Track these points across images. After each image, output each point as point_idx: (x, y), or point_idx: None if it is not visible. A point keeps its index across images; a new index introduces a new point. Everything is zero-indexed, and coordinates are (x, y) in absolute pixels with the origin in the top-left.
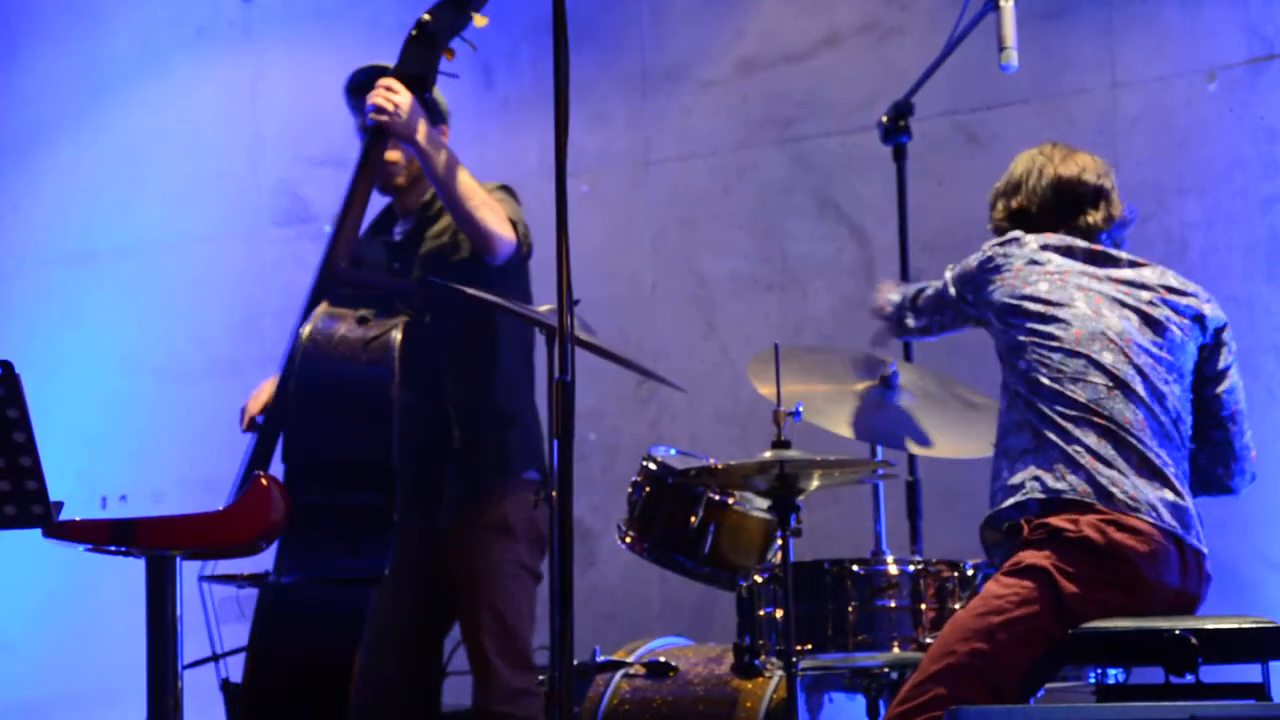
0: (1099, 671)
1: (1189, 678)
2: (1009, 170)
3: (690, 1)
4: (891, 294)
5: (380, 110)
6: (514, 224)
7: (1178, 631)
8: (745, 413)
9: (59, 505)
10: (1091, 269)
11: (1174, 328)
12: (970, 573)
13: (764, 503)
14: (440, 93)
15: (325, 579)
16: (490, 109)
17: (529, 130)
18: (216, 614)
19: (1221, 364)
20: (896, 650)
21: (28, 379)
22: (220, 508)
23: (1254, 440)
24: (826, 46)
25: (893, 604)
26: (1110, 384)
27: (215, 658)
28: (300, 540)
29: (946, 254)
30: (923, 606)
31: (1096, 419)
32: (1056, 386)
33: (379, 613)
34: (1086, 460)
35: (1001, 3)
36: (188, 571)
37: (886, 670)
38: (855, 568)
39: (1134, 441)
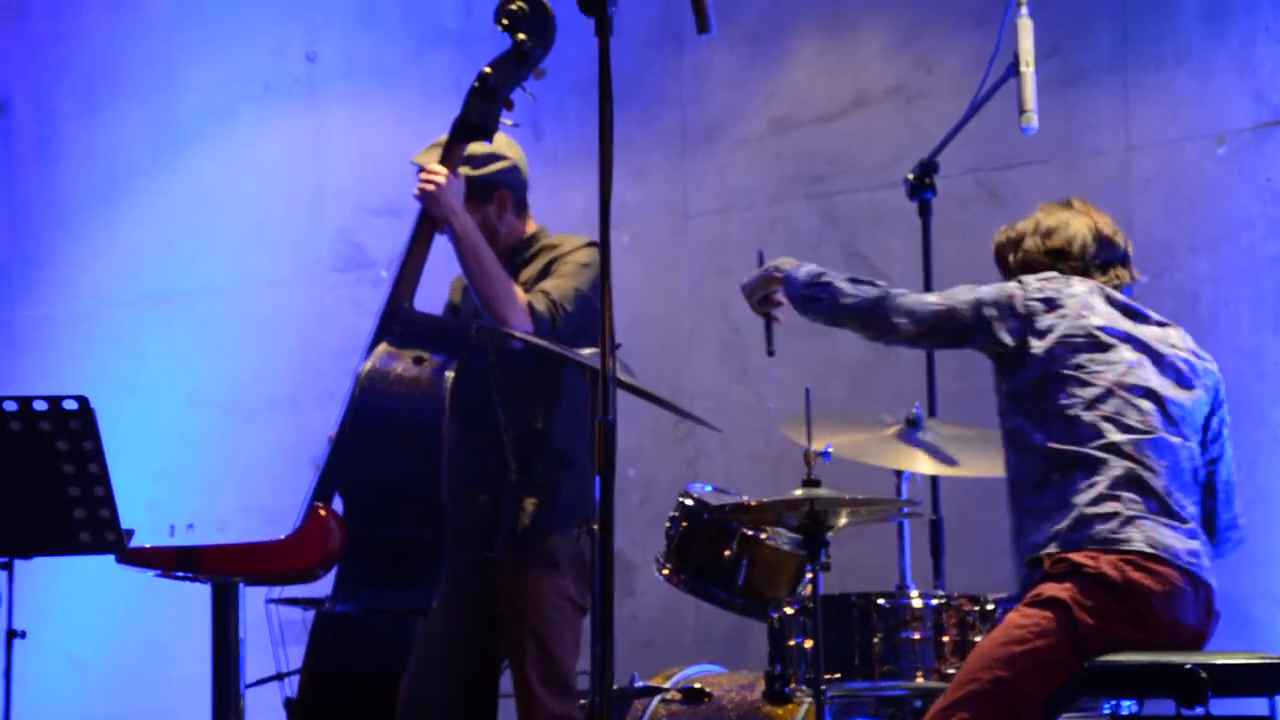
0: (1113, 703)
1: (1199, 710)
2: (1038, 216)
3: (727, 64)
4: (792, 265)
5: (420, 190)
6: (539, 306)
7: (1189, 666)
8: (777, 453)
9: (130, 533)
10: (1128, 321)
11: (1198, 388)
12: (990, 607)
13: (795, 538)
14: (504, 155)
15: (375, 609)
16: (539, 162)
17: (575, 183)
18: (282, 635)
19: (1218, 429)
20: (920, 680)
21: (102, 414)
22: (281, 537)
23: (1248, 507)
24: (856, 108)
25: (916, 636)
26: (1144, 429)
27: (279, 676)
28: (353, 571)
29: None
30: (945, 639)
31: (1127, 461)
32: (1093, 422)
33: (436, 641)
34: (1108, 504)
35: (1023, 68)
36: (255, 594)
37: (910, 699)
38: (881, 601)
39: (1158, 486)
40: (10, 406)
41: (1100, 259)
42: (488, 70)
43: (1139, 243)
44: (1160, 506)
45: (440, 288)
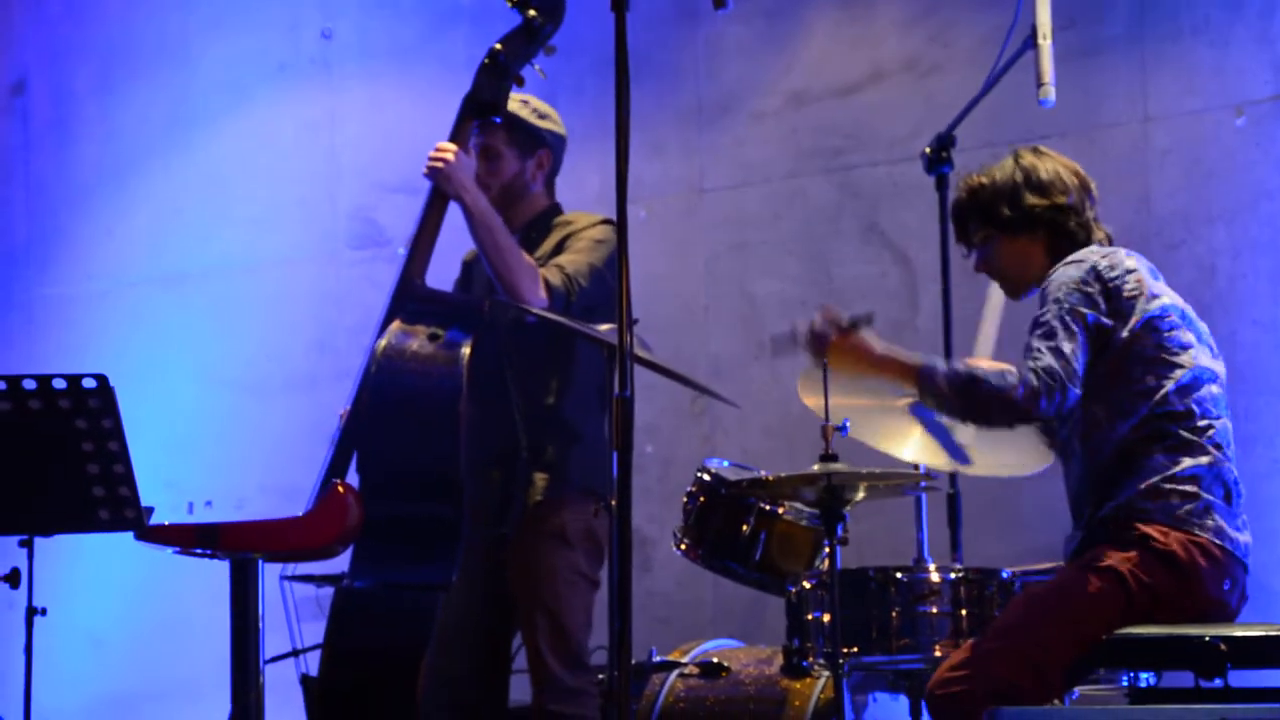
0: (1131, 675)
1: (1218, 682)
2: (1023, 164)
3: (743, 38)
4: (918, 359)
5: (429, 168)
6: (554, 280)
7: (1208, 638)
8: (794, 427)
9: (149, 510)
10: (1169, 290)
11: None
12: (1008, 580)
13: (812, 512)
14: (557, 121)
15: (395, 584)
16: None
17: (591, 159)
18: (297, 611)
19: None
20: (938, 653)
21: (121, 392)
22: (299, 514)
23: (1268, 478)
24: (872, 81)
25: (934, 610)
26: (1217, 415)
27: (295, 653)
28: (372, 547)
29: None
30: (963, 612)
31: (1210, 447)
32: (1179, 405)
33: (449, 615)
34: (1189, 485)
35: (1040, 41)
36: (269, 572)
37: (928, 672)
38: (899, 575)
39: (1229, 478)
40: (29, 385)
41: (1094, 213)
42: (498, 47)
43: (1157, 214)
44: (1226, 495)
45: (453, 266)
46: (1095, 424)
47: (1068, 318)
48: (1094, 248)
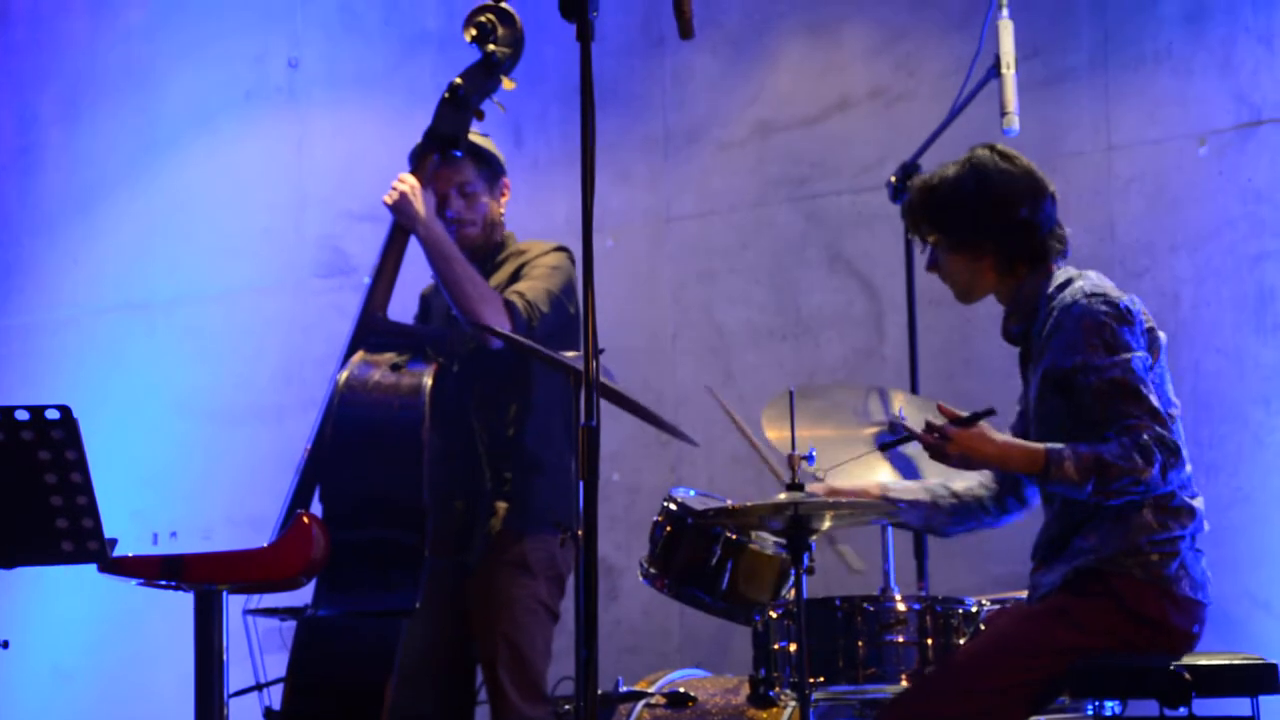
0: (1096, 704)
1: (1183, 711)
2: (969, 170)
3: (709, 68)
4: (1042, 447)
5: (387, 199)
6: (516, 305)
7: (1173, 667)
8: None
9: (113, 542)
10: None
11: None
12: (974, 610)
13: (779, 542)
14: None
15: (359, 613)
16: (520, 168)
17: (557, 188)
18: (260, 645)
19: None
20: (904, 683)
21: (84, 422)
22: (265, 545)
23: (1229, 508)
24: (838, 111)
25: (900, 639)
26: (1180, 449)
27: (258, 687)
28: (335, 576)
29: (950, 308)
30: (929, 641)
31: (1192, 499)
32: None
33: (412, 646)
34: (1171, 545)
35: (1004, 70)
36: (233, 605)
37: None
38: (865, 604)
39: (1201, 521)
40: None
41: (1050, 222)
42: (458, 81)
43: (1120, 242)
44: (1194, 539)
45: (411, 299)
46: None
47: (1138, 368)
48: (1089, 275)
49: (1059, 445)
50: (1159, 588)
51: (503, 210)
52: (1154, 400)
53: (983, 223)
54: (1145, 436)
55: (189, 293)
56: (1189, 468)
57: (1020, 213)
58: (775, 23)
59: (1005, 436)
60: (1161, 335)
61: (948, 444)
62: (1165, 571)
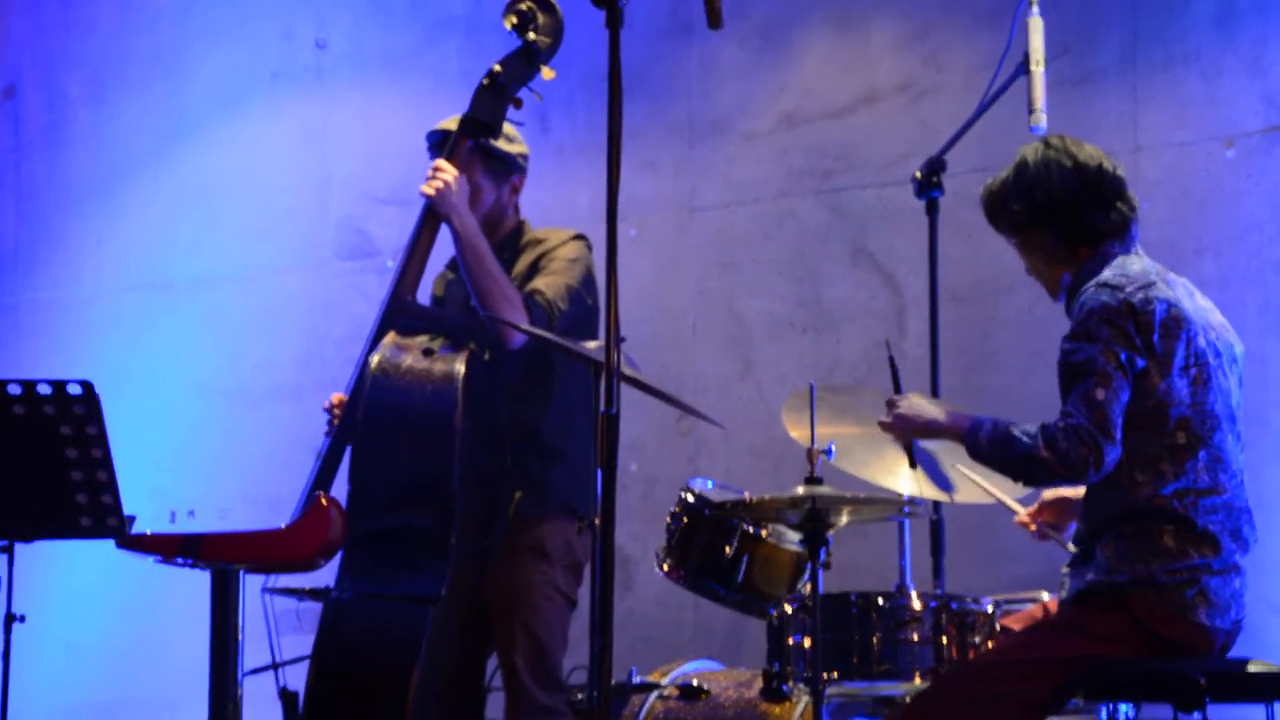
0: (1110, 706)
1: (1197, 716)
2: (1013, 168)
3: (737, 58)
4: (966, 418)
5: (428, 188)
6: (536, 303)
7: (1188, 672)
8: (779, 449)
9: (132, 519)
10: (1200, 308)
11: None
12: (990, 609)
13: (795, 536)
14: (520, 140)
15: (384, 597)
16: (546, 154)
17: (582, 176)
18: (277, 624)
19: None
20: (918, 680)
21: (105, 400)
22: (282, 525)
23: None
24: (865, 104)
25: (915, 636)
26: (1237, 469)
27: (274, 666)
28: (362, 559)
29: (974, 304)
30: (944, 639)
31: (1217, 530)
32: (1213, 478)
33: (434, 630)
34: (1189, 574)
35: (1032, 67)
36: (250, 583)
37: (907, 698)
38: (881, 601)
39: (1248, 538)
40: (14, 390)
41: (1090, 199)
42: (497, 68)
43: (1146, 244)
44: (1230, 557)
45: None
46: (1119, 474)
47: (1101, 357)
48: (1129, 265)
49: (988, 417)
50: (1173, 612)
51: (508, 206)
52: (1100, 395)
53: (1030, 219)
54: (1063, 424)
55: (211, 273)
56: (1225, 492)
57: (1061, 202)
58: (803, 14)
59: (947, 406)
60: (1233, 344)
61: (891, 409)
62: (1181, 598)
